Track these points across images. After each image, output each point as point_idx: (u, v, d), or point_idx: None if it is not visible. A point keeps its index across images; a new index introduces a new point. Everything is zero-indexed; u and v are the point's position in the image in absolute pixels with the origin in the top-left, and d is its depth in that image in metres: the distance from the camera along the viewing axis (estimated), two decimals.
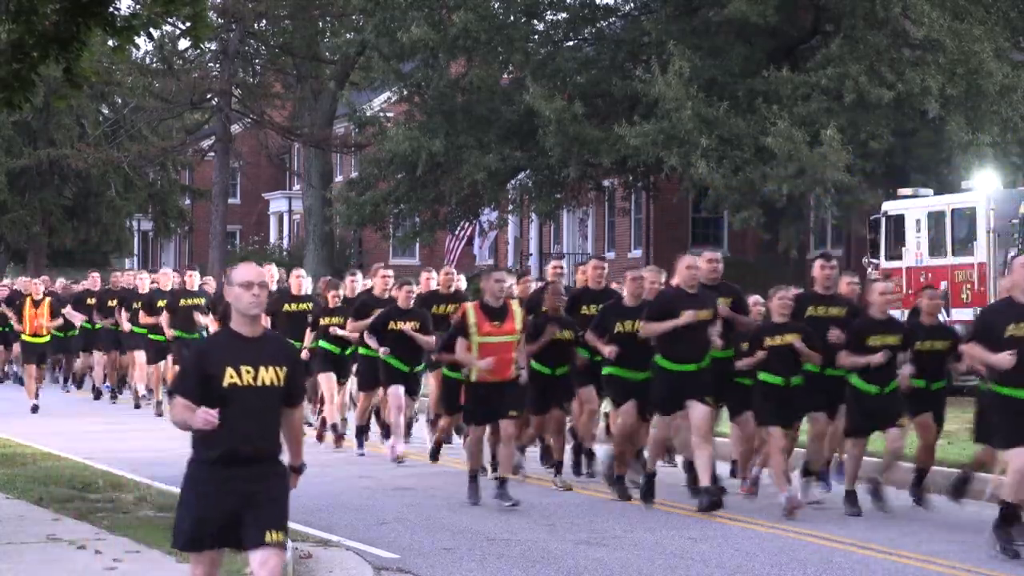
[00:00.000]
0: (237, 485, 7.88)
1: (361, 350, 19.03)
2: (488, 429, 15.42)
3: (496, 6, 39.15)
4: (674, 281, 14.89)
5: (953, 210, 29.98)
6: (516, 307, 14.95)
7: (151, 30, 14.47)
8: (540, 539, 12.96)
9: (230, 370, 7.87)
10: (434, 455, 17.93)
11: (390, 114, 46.92)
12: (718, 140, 34.43)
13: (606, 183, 43.53)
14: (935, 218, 30.38)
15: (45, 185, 59.54)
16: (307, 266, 48.07)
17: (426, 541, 12.76)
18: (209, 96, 53.14)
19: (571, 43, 40.47)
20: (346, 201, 42.47)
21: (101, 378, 29.18)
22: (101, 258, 64.23)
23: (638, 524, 13.70)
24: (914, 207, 30.94)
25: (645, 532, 13.24)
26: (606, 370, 15.44)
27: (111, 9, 13.81)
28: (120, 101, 60.63)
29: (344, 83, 50.44)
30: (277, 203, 71.69)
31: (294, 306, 20.40)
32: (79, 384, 31.35)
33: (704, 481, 14.16)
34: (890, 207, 31.72)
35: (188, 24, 14.52)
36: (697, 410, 14.27)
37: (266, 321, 10.56)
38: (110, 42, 15.14)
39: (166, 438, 21.44)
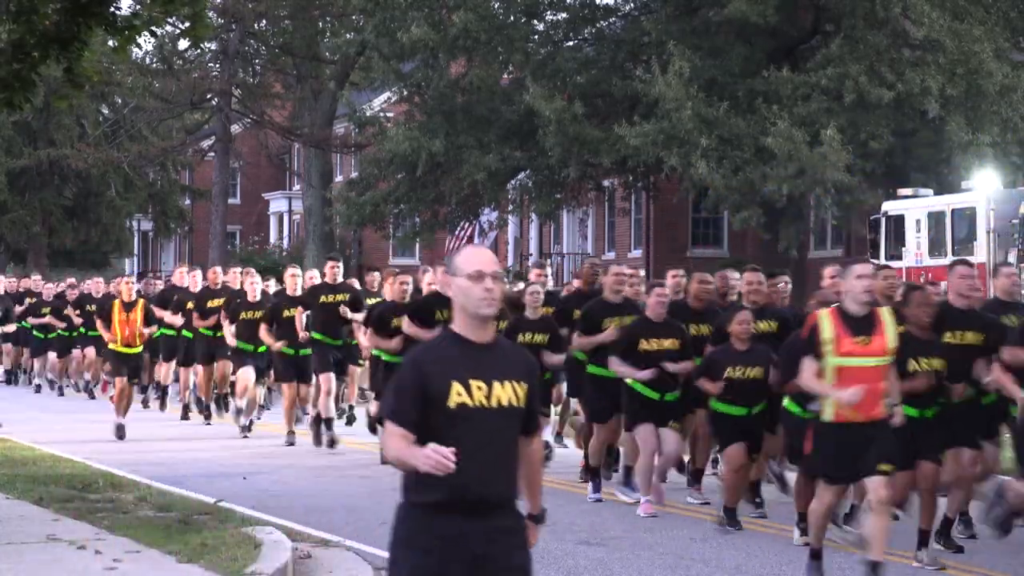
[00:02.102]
0: (468, 544, 6.18)
1: (591, 368, 15.06)
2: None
3: (496, 6, 39.18)
4: None
5: (953, 210, 30.02)
6: (887, 316, 10.53)
7: (151, 29, 14.50)
8: (540, 539, 12.91)
9: (458, 386, 5.97)
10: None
11: (390, 114, 46.94)
12: (718, 140, 34.45)
13: (606, 183, 43.56)
14: (935, 218, 30.42)
15: (45, 185, 59.57)
16: (307, 266, 48.15)
17: None
18: (209, 96, 53.17)
19: (571, 43, 40.50)
20: (346, 201, 42.50)
21: (200, 392, 24.31)
22: (101, 258, 64.33)
23: (638, 524, 13.67)
24: (914, 207, 30.98)
25: (645, 532, 13.23)
26: None
27: (111, 9, 13.83)
28: (120, 101, 60.66)
29: (344, 83, 50.48)
30: (277, 203, 71.67)
31: None
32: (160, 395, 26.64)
33: None
34: (890, 207, 31.76)
35: (188, 24, 14.55)
36: None
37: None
38: (110, 42, 15.16)
39: (171, 439, 21.47)
